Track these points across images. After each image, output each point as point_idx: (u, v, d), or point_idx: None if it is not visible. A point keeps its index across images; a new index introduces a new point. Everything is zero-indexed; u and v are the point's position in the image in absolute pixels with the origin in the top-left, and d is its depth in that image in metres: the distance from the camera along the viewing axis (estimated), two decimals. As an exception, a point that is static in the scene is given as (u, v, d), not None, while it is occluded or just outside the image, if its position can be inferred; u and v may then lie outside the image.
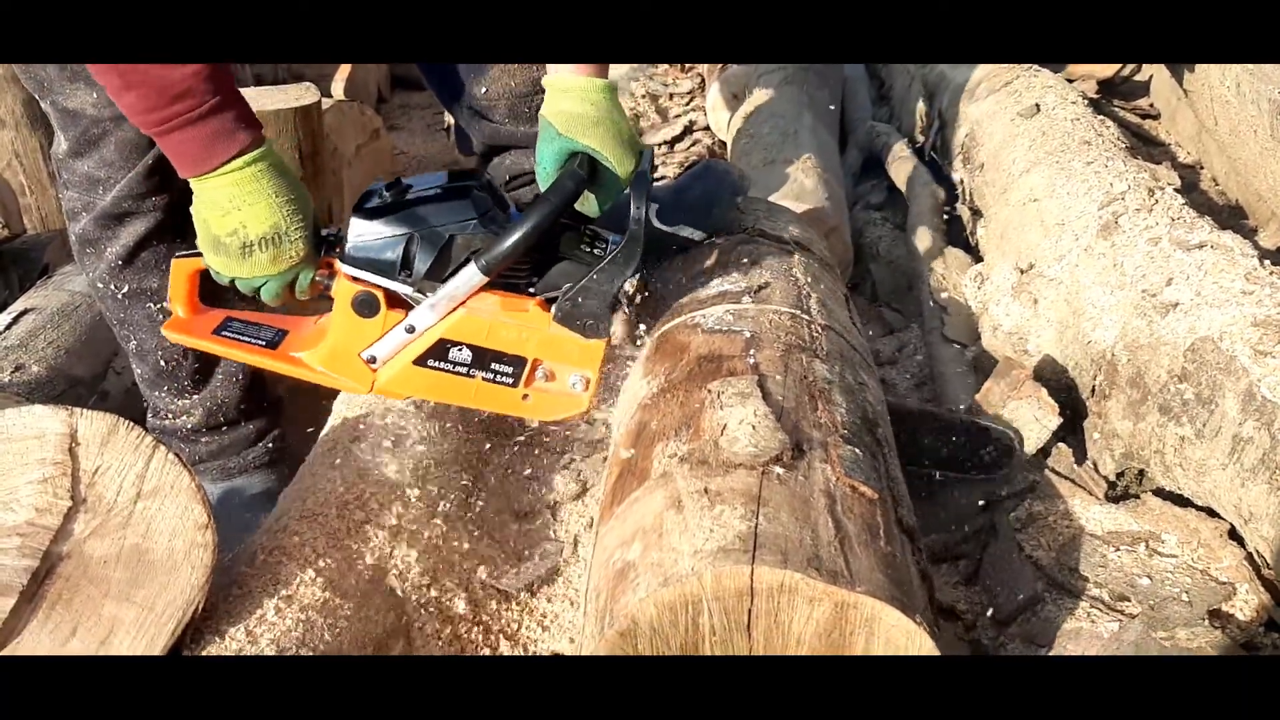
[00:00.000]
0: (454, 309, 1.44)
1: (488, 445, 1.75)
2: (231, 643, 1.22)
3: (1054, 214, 2.18)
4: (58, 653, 1.16)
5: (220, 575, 1.32)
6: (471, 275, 1.41)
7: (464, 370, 1.47)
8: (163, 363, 1.76)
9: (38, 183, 2.99)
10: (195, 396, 1.84)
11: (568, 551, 1.58)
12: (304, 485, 1.58)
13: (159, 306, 1.71)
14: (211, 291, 1.60)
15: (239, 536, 1.56)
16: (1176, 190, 2.06)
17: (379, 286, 1.45)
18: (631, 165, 1.46)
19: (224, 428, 1.86)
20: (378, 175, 3.26)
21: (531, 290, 1.47)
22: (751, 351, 1.36)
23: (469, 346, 1.46)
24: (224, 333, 1.56)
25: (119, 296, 1.70)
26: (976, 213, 2.65)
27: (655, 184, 1.83)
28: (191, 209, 1.41)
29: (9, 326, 2.14)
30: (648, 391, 1.39)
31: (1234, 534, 1.58)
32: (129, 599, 1.18)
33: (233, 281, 1.45)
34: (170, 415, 1.82)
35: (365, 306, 1.45)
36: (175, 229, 1.42)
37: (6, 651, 1.15)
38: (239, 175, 1.35)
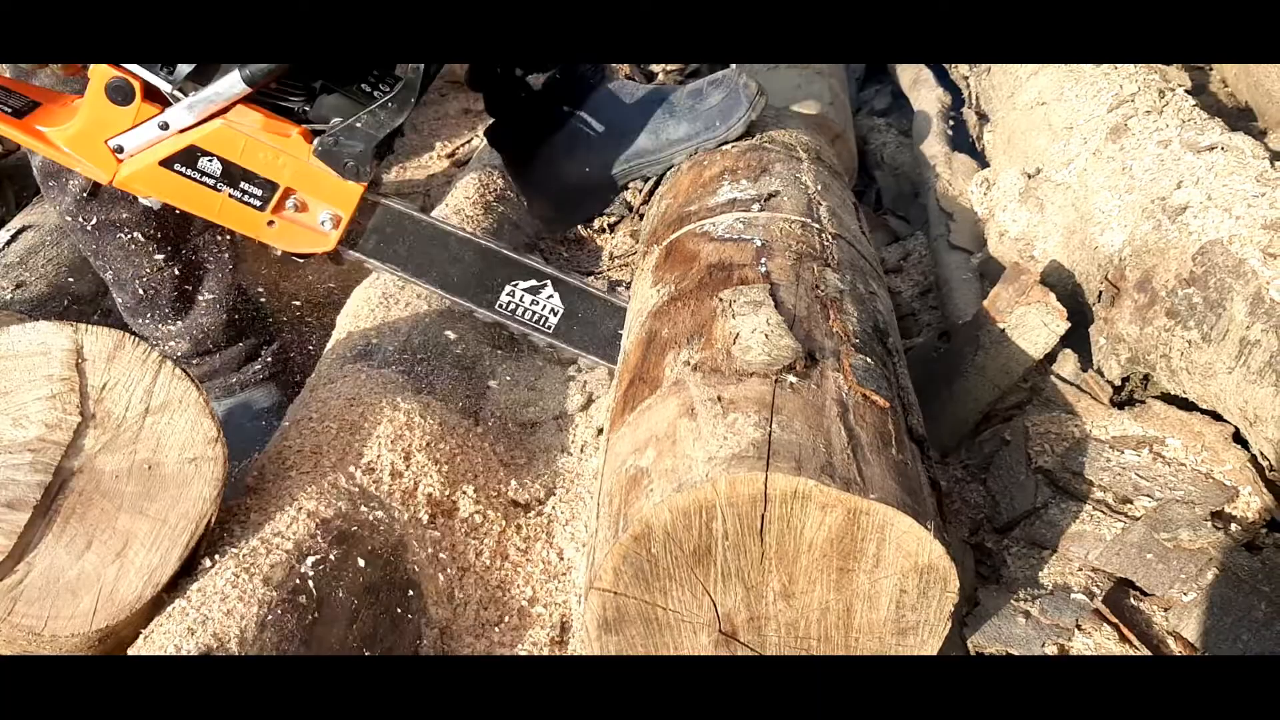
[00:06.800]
0: (212, 116, 1.40)
1: (488, 361, 1.74)
2: (244, 550, 1.22)
3: (1062, 117, 2.14)
4: (75, 564, 1.17)
5: (232, 488, 1.33)
6: (234, 83, 1.37)
7: (211, 183, 1.45)
8: (141, 291, 1.73)
9: (26, 96, 2.93)
10: (179, 324, 1.82)
11: (575, 459, 1.59)
12: (311, 398, 1.58)
13: (130, 236, 1.68)
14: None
15: (249, 449, 1.57)
16: (1187, 92, 2.02)
17: (137, 76, 1.40)
18: None
19: (212, 352, 1.84)
20: None
21: (307, 120, 1.44)
22: (763, 260, 1.35)
23: (220, 159, 1.43)
24: None
25: (89, 229, 1.66)
26: (983, 117, 2.60)
27: (666, 86, 1.78)
28: None
29: (8, 244, 2.12)
30: (658, 300, 1.38)
31: (1238, 437, 1.58)
32: (142, 512, 1.18)
33: None
34: (157, 341, 1.79)
35: (119, 93, 1.41)
36: None
37: (22, 565, 1.16)
38: None
